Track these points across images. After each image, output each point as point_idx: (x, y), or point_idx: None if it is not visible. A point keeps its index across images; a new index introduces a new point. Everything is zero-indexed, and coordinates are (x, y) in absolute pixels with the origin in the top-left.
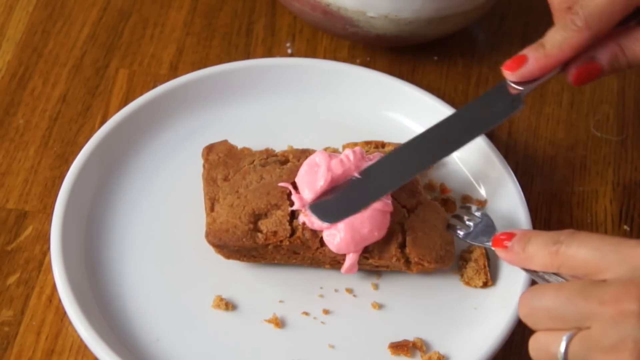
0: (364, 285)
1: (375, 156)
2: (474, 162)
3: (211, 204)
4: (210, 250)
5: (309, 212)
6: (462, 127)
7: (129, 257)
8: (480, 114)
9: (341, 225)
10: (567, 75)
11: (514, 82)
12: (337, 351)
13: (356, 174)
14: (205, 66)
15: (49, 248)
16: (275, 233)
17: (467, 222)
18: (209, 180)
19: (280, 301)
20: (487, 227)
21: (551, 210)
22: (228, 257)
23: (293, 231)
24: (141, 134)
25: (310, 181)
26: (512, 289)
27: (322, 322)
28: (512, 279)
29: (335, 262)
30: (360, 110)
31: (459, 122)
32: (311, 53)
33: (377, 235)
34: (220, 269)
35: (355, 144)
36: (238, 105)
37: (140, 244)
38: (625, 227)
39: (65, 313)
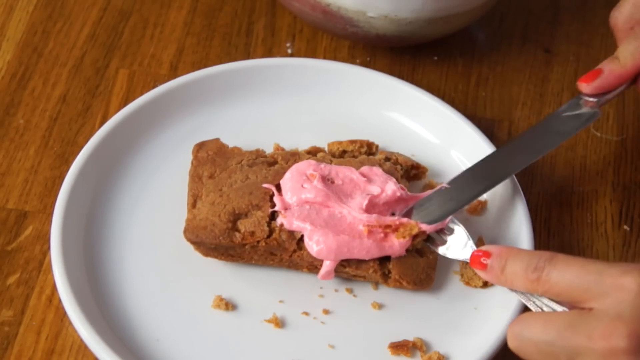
0: (364, 285)
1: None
2: (473, 162)
3: (193, 201)
4: None
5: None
6: (540, 139)
7: (129, 257)
8: (558, 126)
9: (326, 232)
10: (638, 87)
11: (589, 95)
12: (337, 351)
13: (445, 184)
14: (205, 66)
15: (49, 248)
16: (252, 233)
17: (443, 235)
18: (195, 176)
19: (280, 301)
20: (462, 239)
21: (551, 210)
22: (206, 254)
23: (271, 232)
24: (141, 134)
25: (295, 187)
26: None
27: (322, 322)
28: None
29: (312, 266)
30: (360, 110)
31: (537, 134)
32: (311, 53)
33: (365, 255)
34: (220, 269)
35: (340, 143)
36: (238, 105)
37: (140, 244)
38: (625, 227)
39: (65, 313)
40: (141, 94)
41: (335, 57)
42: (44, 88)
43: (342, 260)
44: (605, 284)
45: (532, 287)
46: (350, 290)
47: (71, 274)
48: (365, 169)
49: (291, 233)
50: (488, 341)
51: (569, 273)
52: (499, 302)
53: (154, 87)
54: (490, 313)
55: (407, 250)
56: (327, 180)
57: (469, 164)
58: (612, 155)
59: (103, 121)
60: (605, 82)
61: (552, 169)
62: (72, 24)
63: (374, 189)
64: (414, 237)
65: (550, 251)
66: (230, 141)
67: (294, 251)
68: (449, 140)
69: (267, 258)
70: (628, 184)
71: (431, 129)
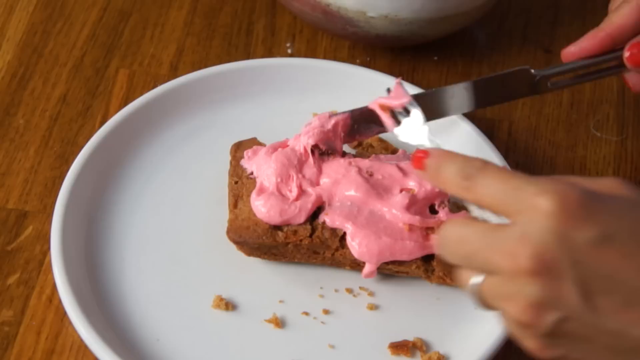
0: (364, 285)
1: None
2: None
3: (234, 201)
4: (211, 249)
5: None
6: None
7: (129, 257)
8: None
9: (369, 234)
10: (623, 57)
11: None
12: (337, 351)
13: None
14: (205, 66)
15: (49, 248)
16: (295, 232)
17: (400, 115)
18: (234, 176)
19: (280, 301)
20: (417, 123)
21: None
22: (249, 254)
23: (313, 230)
24: (141, 134)
25: (336, 179)
26: None
27: (322, 322)
28: None
29: (355, 264)
30: None
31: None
32: (311, 53)
33: (407, 257)
34: (220, 269)
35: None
36: (238, 105)
37: (140, 244)
38: None
39: (65, 313)
40: (141, 94)
41: (335, 57)
42: (44, 88)
43: None
44: (521, 200)
45: (463, 195)
46: (350, 290)
47: (71, 274)
48: (403, 163)
49: (333, 231)
50: (488, 341)
51: (494, 185)
52: None
53: (154, 87)
54: (491, 313)
55: None
56: (366, 174)
57: None
58: (612, 155)
59: (103, 121)
60: (584, 44)
61: (552, 169)
62: (72, 24)
63: (412, 184)
64: None
65: (483, 159)
66: (230, 141)
67: (337, 249)
68: (449, 140)
69: (309, 256)
70: None
71: (431, 129)
